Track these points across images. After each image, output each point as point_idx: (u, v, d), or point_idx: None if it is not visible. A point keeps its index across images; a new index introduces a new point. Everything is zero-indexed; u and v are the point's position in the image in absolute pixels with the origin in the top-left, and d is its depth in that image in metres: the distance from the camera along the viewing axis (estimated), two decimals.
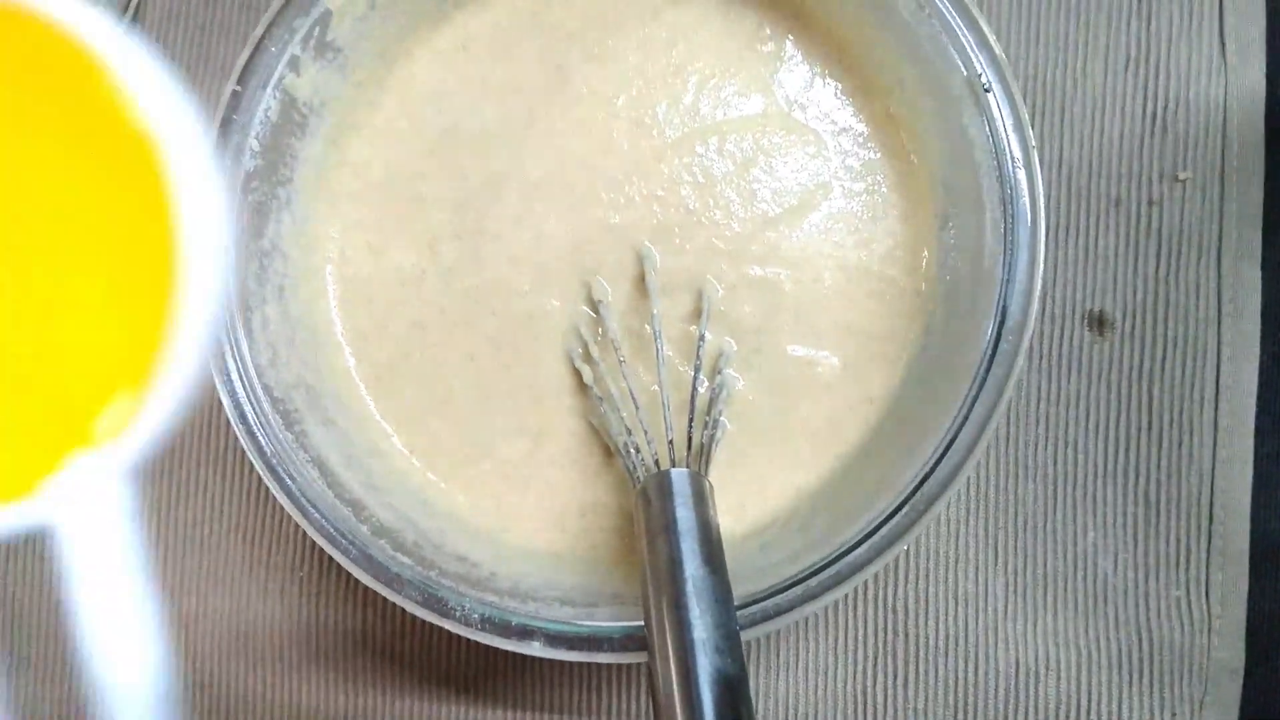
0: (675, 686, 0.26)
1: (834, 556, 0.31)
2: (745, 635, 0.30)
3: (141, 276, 0.14)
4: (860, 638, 0.37)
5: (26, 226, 0.13)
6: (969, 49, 0.32)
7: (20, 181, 0.13)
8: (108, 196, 0.13)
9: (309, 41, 0.33)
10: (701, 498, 0.30)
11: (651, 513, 0.30)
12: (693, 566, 0.28)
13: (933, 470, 0.31)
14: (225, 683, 0.38)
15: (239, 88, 0.33)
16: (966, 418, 0.31)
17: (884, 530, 0.31)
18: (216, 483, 0.38)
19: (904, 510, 0.31)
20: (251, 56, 0.33)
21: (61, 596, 0.15)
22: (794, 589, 0.31)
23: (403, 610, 0.32)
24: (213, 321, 0.14)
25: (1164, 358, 0.37)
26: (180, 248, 0.13)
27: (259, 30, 0.33)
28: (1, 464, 0.13)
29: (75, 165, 0.13)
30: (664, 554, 0.29)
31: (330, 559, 0.32)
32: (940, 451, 0.31)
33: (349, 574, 0.32)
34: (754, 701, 0.36)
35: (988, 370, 0.31)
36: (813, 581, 0.31)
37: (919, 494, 0.31)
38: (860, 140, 0.36)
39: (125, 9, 0.39)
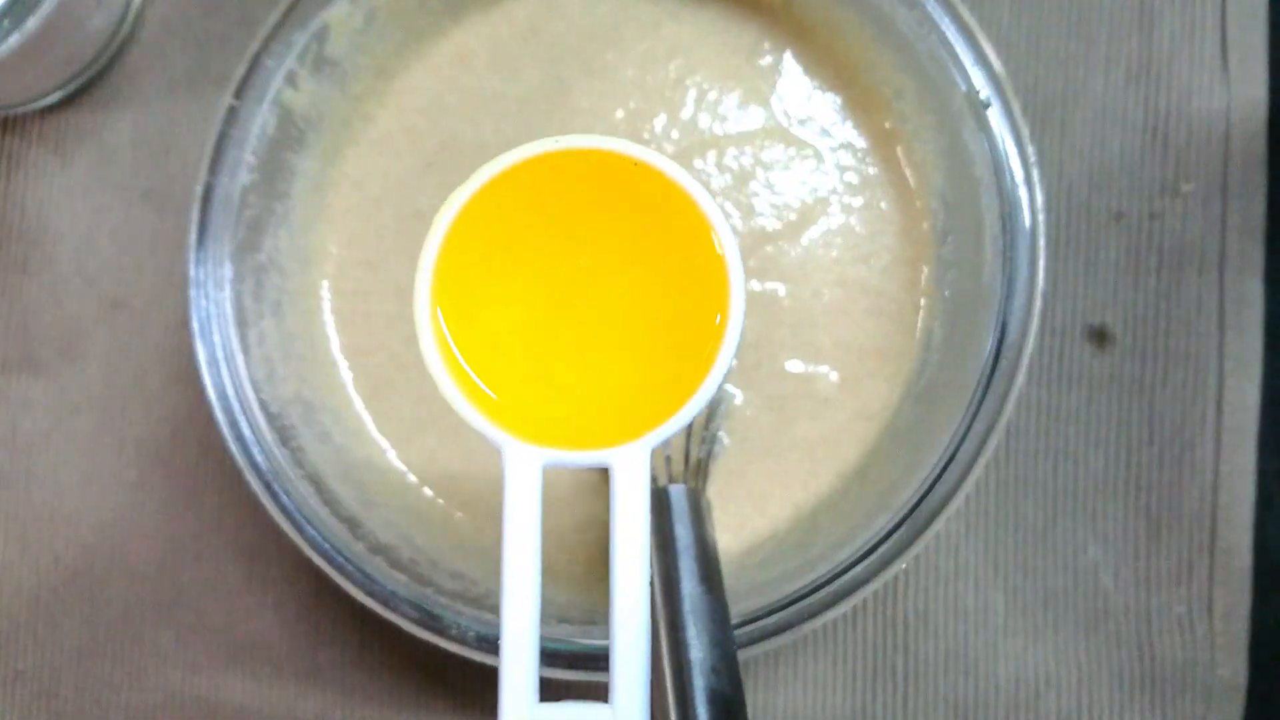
0: (671, 707, 0.25)
1: (833, 574, 0.31)
2: (743, 654, 0.30)
3: (693, 331, 0.22)
4: (859, 653, 0.36)
5: (638, 297, 0.23)
6: (968, 65, 0.32)
7: (636, 265, 0.23)
8: (686, 279, 0.23)
9: (306, 56, 0.33)
10: (699, 515, 0.30)
11: (649, 529, 0.30)
12: (690, 585, 0.28)
13: (931, 488, 0.31)
14: (221, 696, 0.38)
15: (236, 102, 0.33)
16: (965, 435, 0.31)
17: (883, 548, 0.31)
18: (212, 495, 0.38)
19: (903, 528, 0.31)
20: (249, 71, 0.33)
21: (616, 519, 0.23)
22: (792, 607, 0.31)
23: (399, 627, 0.31)
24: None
25: (1165, 372, 0.37)
26: (721, 317, 0.22)
27: (255, 45, 0.33)
28: (604, 427, 0.22)
29: (672, 256, 0.23)
30: (660, 572, 0.28)
31: (326, 575, 0.32)
32: (939, 469, 0.31)
33: (345, 590, 0.32)
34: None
35: (987, 387, 0.31)
36: (811, 599, 0.30)
37: (918, 511, 0.31)
38: (859, 155, 0.36)
39: (122, 21, 0.39)
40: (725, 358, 0.22)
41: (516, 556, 0.22)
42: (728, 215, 0.36)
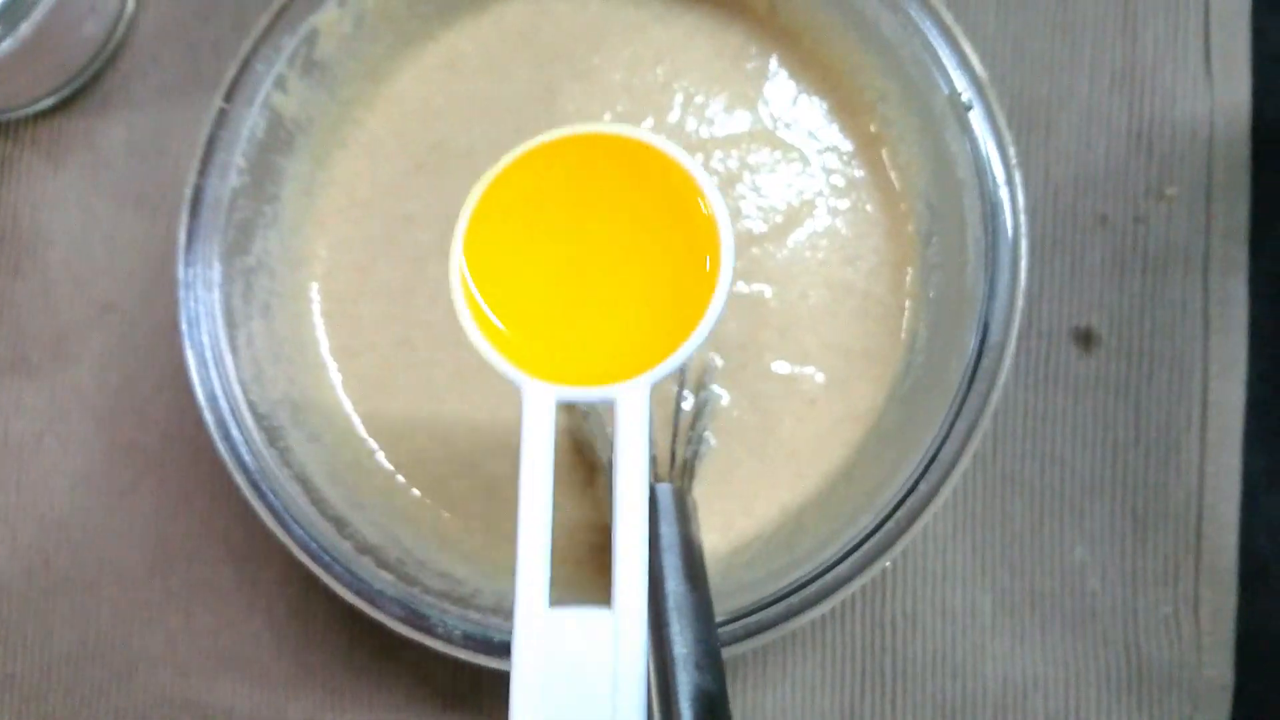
0: (655, 703, 0.26)
1: (817, 572, 0.31)
2: (728, 651, 0.30)
3: (688, 282, 0.25)
4: (847, 654, 0.37)
5: (640, 256, 0.26)
6: (950, 68, 0.32)
7: (636, 229, 0.26)
8: (680, 235, 0.25)
9: (296, 60, 0.34)
10: (684, 514, 0.30)
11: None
12: (674, 582, 0.28)
13: (915, 487, 0.31)
14: (211, 699, 0.38)
15: (226, 105, 0.33)
16: (948, 435, 0.31)
17: (866, 546, 0.31)
18: (203, 498, 0.38)
19: (887, 527, 0.31)
20: (239, 74, 0.33)
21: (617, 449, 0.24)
22: (777, 605, 0.31)
23: (387, 627, 0.32)
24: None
25: (1151, 373, 0.37)
26: (711, 271, 0.25)
27: (245, 48, 0.33)
28: (608, 365, 0.25)
29: (670, 216, 0.26)
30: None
31: (316, 577, 0.32)
32: (922, 468, 0.31)
33: (334, 591, 0.32)
34: (738, 718, 0.36)
35: (969, 387, 0.31)
36: (795, 598, 0.31)
37: (901, 510, 0.31)
38: (845, 158, 0.36)
39: (115, 26, 0.39)
40: (717, 305, 0.25)
41: (532, 480, 0.24)
42: None
